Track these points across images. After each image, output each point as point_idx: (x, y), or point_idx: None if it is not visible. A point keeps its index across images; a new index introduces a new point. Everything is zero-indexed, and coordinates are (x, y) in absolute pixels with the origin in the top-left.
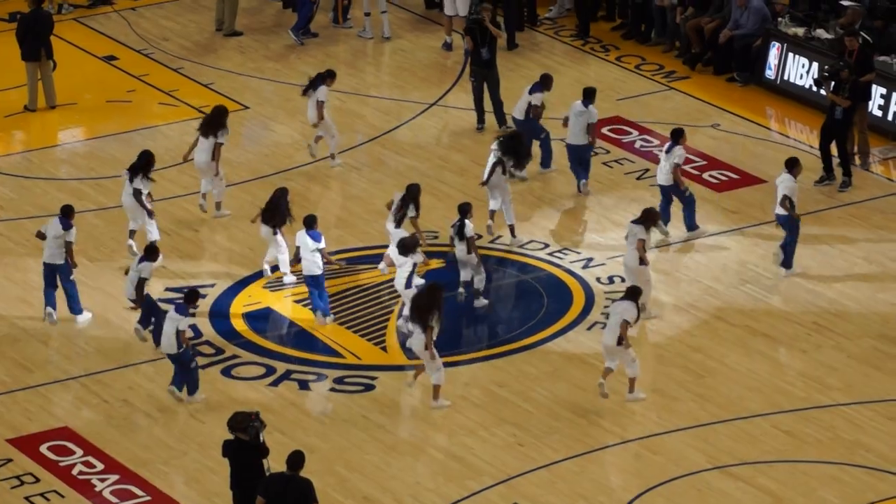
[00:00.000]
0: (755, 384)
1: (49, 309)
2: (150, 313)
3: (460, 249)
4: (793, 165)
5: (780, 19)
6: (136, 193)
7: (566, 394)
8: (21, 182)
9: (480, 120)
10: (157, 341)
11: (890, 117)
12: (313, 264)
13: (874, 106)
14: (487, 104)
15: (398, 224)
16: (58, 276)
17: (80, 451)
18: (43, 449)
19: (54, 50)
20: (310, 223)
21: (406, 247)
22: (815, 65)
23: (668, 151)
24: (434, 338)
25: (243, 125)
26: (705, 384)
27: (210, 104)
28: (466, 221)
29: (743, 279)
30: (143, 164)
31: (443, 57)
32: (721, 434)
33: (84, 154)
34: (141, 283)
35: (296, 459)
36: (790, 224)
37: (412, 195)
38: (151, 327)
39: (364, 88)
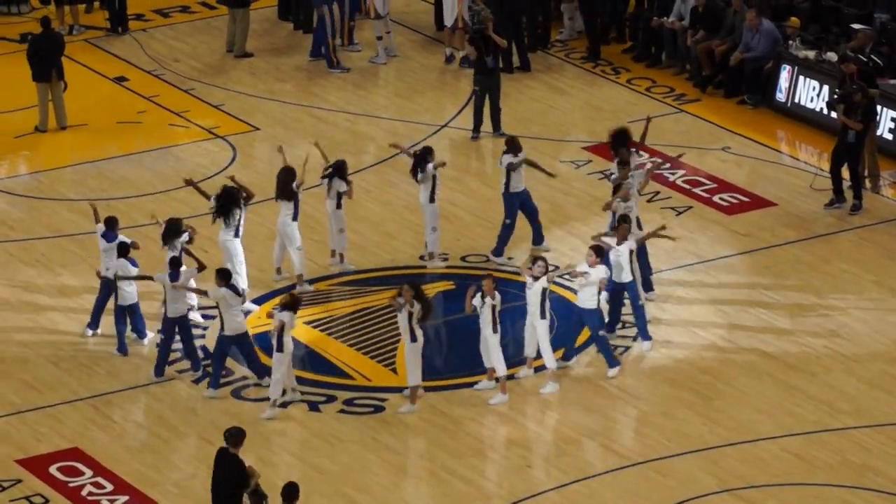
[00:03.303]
0: (765, 407)
1: (90, 331)
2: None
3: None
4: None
5: (790, 42)
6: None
7: (575, 416)
8: (31, 203)
9: (477, 129)
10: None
11: None
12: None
13: (884, 129)
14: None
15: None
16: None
17: (89, 472)
18: (52, 470)
19: (65, 71)
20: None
21: None
22: (826, 88)
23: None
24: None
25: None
26: (714, 407)
27: (221, 125)
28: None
29: (753, 302)
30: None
31: (451, 76)
32: (730, 457)
33: (94, 175)
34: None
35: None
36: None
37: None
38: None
39: (374, 110)
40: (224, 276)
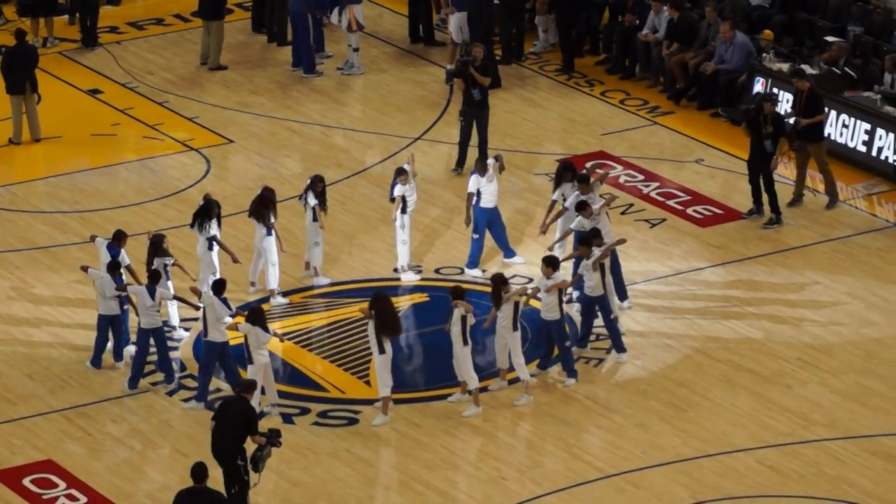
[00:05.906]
0: (739, 419)
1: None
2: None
3: None
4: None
5: (764, 55)
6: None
7: (550, 428)
8: (5, 215)
9: (460, 163)
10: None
11: (874, 153)
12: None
13: (858, 142)
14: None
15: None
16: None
17: (63, 484)
18: (26, 482)
19: (39, 83)
20: (219, 289)
21: None
22: None
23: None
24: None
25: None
26: (689, 419)
27: (195, 138)
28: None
29: (727, 314)
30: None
31: (424, 89)
32: (705, 469)
33: (68, 187)
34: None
35: (198, 471)
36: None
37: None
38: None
39: (348, 122)
40: (218, 287)
